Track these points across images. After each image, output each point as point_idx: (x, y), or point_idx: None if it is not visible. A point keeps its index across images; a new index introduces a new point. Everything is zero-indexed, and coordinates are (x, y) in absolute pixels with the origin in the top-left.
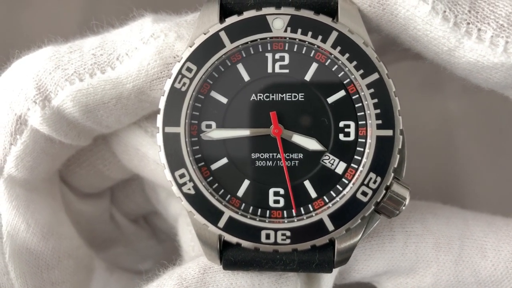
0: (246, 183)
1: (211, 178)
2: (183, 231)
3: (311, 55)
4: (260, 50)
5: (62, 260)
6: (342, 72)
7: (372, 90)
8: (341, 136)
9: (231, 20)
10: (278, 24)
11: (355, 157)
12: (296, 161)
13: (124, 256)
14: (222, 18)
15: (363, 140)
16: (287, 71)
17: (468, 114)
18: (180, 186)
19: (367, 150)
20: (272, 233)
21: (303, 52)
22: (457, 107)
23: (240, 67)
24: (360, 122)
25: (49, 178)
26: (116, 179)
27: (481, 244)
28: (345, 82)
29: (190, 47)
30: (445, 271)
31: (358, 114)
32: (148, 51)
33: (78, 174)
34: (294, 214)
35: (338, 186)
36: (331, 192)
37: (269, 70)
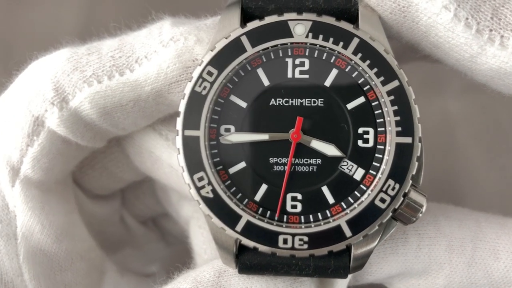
0: (264, 187)
1: (229, 181)
2: (195, 234)
3: (331, 61)
4: (281, 55)
5: (75, 262)
6: (362, 79)
7: (392, 97)
8: (360, 143)
9: (253, 25)
10: (300, 29)
11: (374, 163)
12: (314, 167)
13: (132, 259)
14: (242, 23)
15: (382, 147)
16: (307, 76)
17: (468, 114)
18: (198, 189)
19: (386, 157)
20: (289, 238)
21: (324, 58)
22: (457, 107)
23: (260, 71)
24: (379, 129)
25: (63, 180)
26: (128, 181)
27: (494, 246)
28: (365, 89)
29: (211, 51)
30: (458, 273)
31: (377, 120)
32: (168, 54)
33: (91, 175)
34: (311, 219)
35: (356, 192)
36: (349, 198)
37: (289, 75)
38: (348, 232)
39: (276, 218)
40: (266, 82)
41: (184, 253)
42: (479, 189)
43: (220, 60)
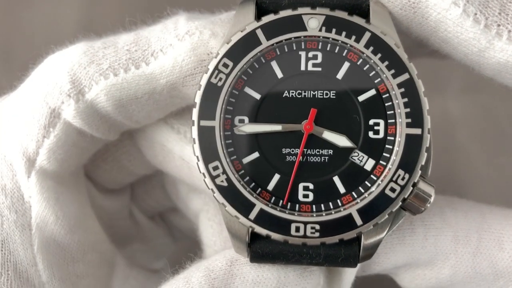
0: (277, 177)
1: (242, 171)
2: (205, 226)
3: (344, 54)
4: (294, 48)
5: (87, 253)
6: (374, 72)
7: (402, 90)
8: (370, 134)
9: (268, 18)
10: (313, 23)
11: (384, 154)
12: (326, 157)
13: (140, 253)
14: (257, 17)
15: (392, 138)
16: (319, 69)
17: (468, 114)
18: (213, 178)
19: (396, 148)
20: (301, 226)
21: (336, 51)
22: (457, 107)
23: (274, 64)
24: (389, 121)
25: (76, 172)
26: (139, 175)
27: (498, 236)
28: (376, 81)
29: (227, 43)
30: (463, 263)
31: (388, 112)
32: (183, 48)
33: (103, 169)
34: (322, 208)
35: (366, 182)
36: (360, 188)
37: (302, 67)
38: (359, 221)
39: (283, 204)
40: (279, 75)
41: (190, 249)
42: (479, 189)
43: (235, 52)
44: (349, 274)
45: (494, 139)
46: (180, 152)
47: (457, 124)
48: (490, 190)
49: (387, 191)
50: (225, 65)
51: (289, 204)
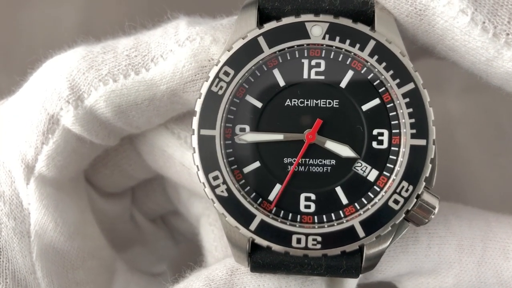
0: (278, 187)
1: (243, 181)
2: (206, 231)
3: (347, 62)
4: (297, 56)
5: (86, 260)
6: (378, 81)
7: (407, 100)
8: (374, 144)
9: (270, 25)
10: (317, 31)
11: (388, 165)
12: (329, 167)
13: (141, 257)
14: (259, 23)
15: (396, 149)
16: (322, 77)
17: (468, 113)
18: (213, 188)
19: (400, 159)
20: (303, 237)
21: (340, 59)
22: (457, 107)
23: (276, 72)
24: (393, 131)
25: (76, 178)
26: (139, 179)
27: (504, 245)
28: (380, 91)
29: (228, 51)
30: (468, 272)
31: (392, 122)
32: (184, 54)
33: (103, 173)
34: (324, 220)
35: (369, 193)
36: (363, 199)
37: (305, 76)
38: (361, 233)
39: (284, 215)
40: (282, 83)
41: (192, 252)
42: (479, 189)
43: (237, 60)
44: (351, 283)
45: (495, 139)
46: (180, 158)
47: (457, 124)
48: (490, 190)
49: (391, 203)
50: (226, 73)
51: (290, 214)
